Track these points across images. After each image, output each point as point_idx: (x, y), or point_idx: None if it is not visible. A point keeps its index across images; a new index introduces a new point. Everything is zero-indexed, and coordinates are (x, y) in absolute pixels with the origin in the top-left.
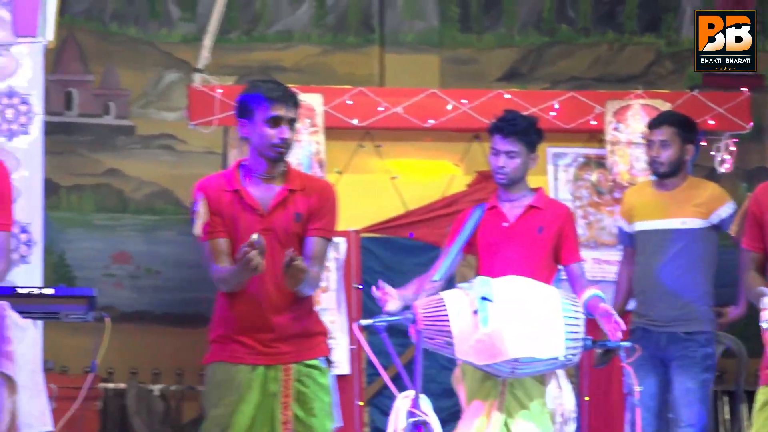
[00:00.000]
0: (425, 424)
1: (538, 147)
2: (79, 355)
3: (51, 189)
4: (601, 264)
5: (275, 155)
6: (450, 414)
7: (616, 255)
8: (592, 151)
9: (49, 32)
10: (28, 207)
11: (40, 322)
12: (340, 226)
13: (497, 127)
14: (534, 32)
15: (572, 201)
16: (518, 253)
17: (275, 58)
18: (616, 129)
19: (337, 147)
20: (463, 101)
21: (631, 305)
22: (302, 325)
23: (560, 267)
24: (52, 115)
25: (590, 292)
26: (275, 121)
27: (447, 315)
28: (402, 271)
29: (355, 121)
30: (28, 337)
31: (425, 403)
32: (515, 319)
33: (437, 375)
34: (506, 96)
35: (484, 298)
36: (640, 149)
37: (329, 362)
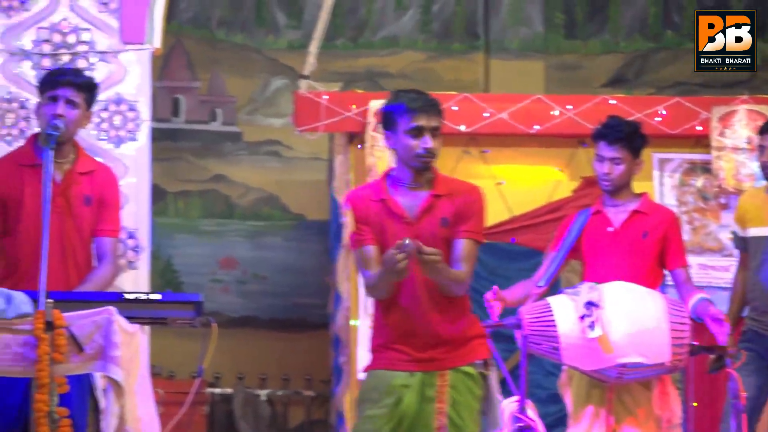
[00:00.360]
0: (530, 429)
1: (642, 153)
2: (186, 360)
3: (158, 195)
4: (706, 270)
5: (420, 165)
6: (555, 420)
7: (721, 261)
8: (697, 157)
9: (156, 39)
10: (136, 213)
11: (147, 328)
12: None
13: (602, 133)
14: (639, 38)
15: (677, 206)
16: (623, 259)
17: (381, 64)
18: (721, 134)
19: (442, 153)
20: (569, 107)
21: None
22: (456, 329)
23: (666, 272)
24: (159, 121)
25: (698, 296)
26: (418, 132)
27: (554, 320)
28: (506, 276)
29: (461, 127)
30: (135, 342)
31: (531, 409)
32: (622, 324)
33: (543, 380)
34: (611, 102)
35: (590, 304)
36: (746, 155)
37: (487, 365)
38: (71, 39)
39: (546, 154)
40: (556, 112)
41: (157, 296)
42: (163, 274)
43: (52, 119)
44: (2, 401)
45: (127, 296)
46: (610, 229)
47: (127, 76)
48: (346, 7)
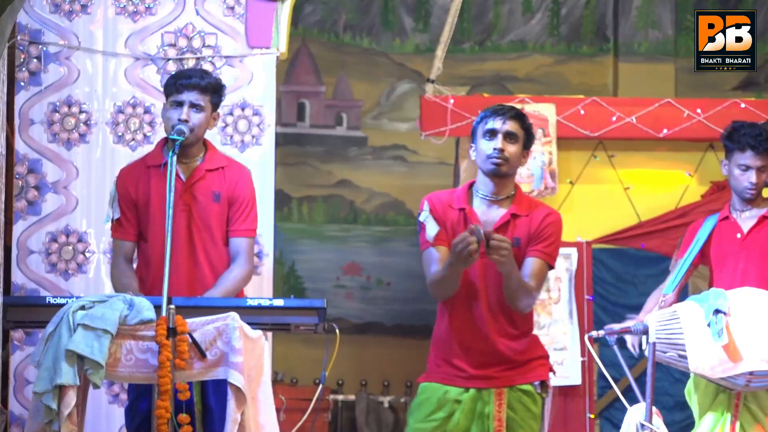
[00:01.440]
0: None
1: None
2: (309, 366)
3: (282, 200)
4: None
5: (491, 167)
6: (682, 427)
7: None
8: None
9: (281, 44)
10: (260, 218)
11: (270, 334)
12: (572, 236)
13: (750, 144)
14: None
15: None
16: (752, 265)
17: (508, 68)
18: None
19: (569, 157)
20: (698, 111)
21: None
22: (517, 348)
23: None
24: (284, 126)
25: None
26: (491, 134)
27: (681, 328)
28: (633, 282)
29: (589, 132)
30: (258, 349)
31: (657, 417)
32: (750, 331)
33: (670, 388)
34: (742, 105)
35: (717, 311)
36: None
37: (545, 387)
38: (196, 43)
39: (674, 158)
40: (686, 116)
41: (281, 302)
42: (286, 279)
43: (177, 124)
44: (135, 406)
45: (250, 302)
46: (738, 235)
47: (253, 81)
48: (473, 11)
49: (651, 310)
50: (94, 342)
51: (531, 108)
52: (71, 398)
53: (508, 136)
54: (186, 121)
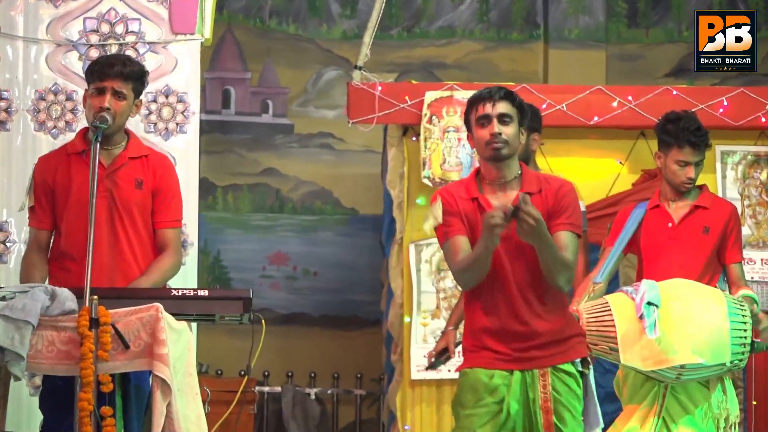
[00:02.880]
0: None
1: None
2: (235, 357)
3: (207, 189)
4: None
5: (491, 153)
6: (612, 418)
7: None
8: (762, 149)
9: (206, 30)
10: (184, 207)
11: (194, 324)
12: None
13: (690, 140)
14: None
15: (740, 200)
16: (683, 255)
17: (437, 54)
18: None
19: None
20: (629, 98)
21: None
22: (554, 326)
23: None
24: (208, 113)
25: (742, 292)
26: (485, 120)
27: (612, 320)
28: None
29: None
30: (182, 340)
31: None
32: (682, 324)
33: (600, 379)
34: (674, 93)
35: (650, 303)
36: None
37: (586, 363)
38: (119, 29)
39: (605, 146)
40: (616, 104)
41: (205, 292)
42: (211, 269)
43: (99, 111)
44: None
45: (175, 292)
46: (669, 224)
47: (177, 67)
48: None
49: (581, 296)
50: (14, 333)
51: (460, 95)
52: None
53: (502, 118)
54: (108, 108)
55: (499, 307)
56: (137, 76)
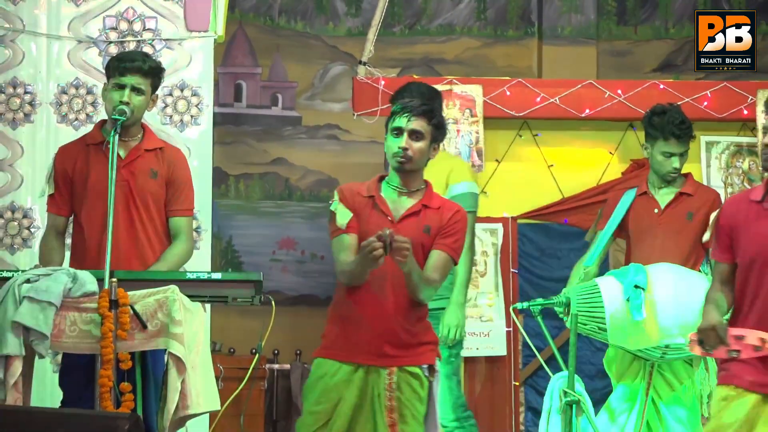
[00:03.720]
0: (578, 403)
1: None
2: (246, 336)
3: (220, 178)
4: None
5: (396, 165)
6: (603, 394)
7: None
8: (744, 140)
9: (219, 27)
10: (198, 195)
11: (208, 306)
12: (498, 212)
13: (674, 133)
14: (688, 24)
15: (723, 187)
16: (668, 239)
17: (437, 50)
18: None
19: (495, 136)
20: (619, 92)
21: None
22: (413, 332)
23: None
24: (221, 106)
25: None
26: (397, 131)
27: (601, 302)
28: (557, 256)
29: (514, 112)
30: (197, 320)
31: (579, 384)
32: (667, 306)
33: (591, 357)
34: (661, 87)
35: (637, 286)
36: None
37: (432, 371)
38: (137, 27)
39: (596, 137)
40: (607, 97)
41: (218, 275)
42: (224, 254)
43: (119, 105)
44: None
45: (190, 275)
46: (656, 210)
47: (191, 63)
48: None
49: (572, 279)
50: (39, 314)
51: (459, 89)
52: (17, 368)
53: (414, 134)
54: (128, 103)
55: (371, 303)
56: (155, 73)
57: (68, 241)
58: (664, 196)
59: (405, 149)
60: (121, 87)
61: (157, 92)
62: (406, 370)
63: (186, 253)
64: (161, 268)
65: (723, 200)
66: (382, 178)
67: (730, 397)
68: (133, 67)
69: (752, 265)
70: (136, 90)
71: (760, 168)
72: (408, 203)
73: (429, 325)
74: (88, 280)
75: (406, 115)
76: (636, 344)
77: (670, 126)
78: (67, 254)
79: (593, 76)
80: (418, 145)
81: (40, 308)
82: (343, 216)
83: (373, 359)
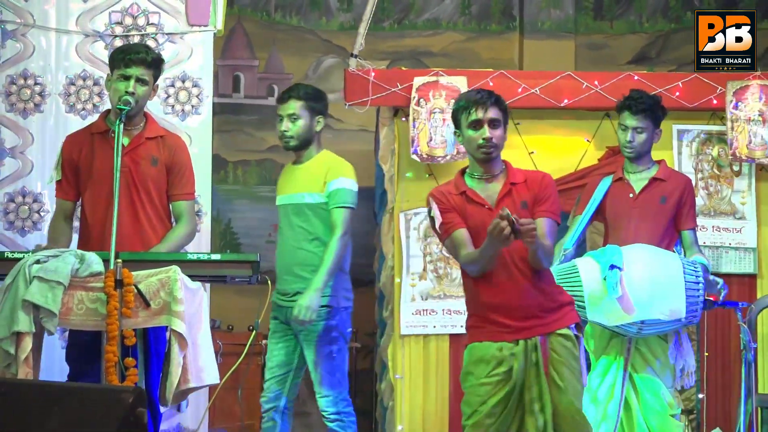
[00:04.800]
0: None
1: (661, 124)
2: (244, 314)
3: (219, 164)
4: (720, 231)
5: (482, 156)
6: None
7: (734, 223)
8: (713, 128)
9: (218, 22)
10: (198, 180)
11: (208, 285)
12: None
13: (626, 104)
14: (661, 19)
15: (694, 173)
16: (643, 222)
17: (424, 44)
18: (735, 107)
19: None
20: (596, 83)
21: None
22: (548, 298)
23: None
24: (220, 97)
25: (696, 258)
26: (477, 124)
27: (580, 281)
28: None
29: None
30: (197, 299)
31: None
32: (642, 284)
33: None
34: (635, 78)
35: (613, 266)
36: (758, 126)
37: (579, 327)
38: (141, 21)
39: (574, 126)
40: (584, 88)
41: (218, 256)
42: (223, 236)
43: (124, 95)
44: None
45: (190, 256)
46: (631, 195)
47: (192, 56)
48: None
49: (554, 262)
50: (48, 293)
51: (445, 80)
52: (27, 344)
53: (492, 123)
54: (132, 93)
55: (501, 286)
56: (157, 64)
57: (76, 224)
58: (638, 182)
59: (489, 138)
60: (126, 78)
61: (158, 82)
62: (558, 333)
63: (187, 235)
64: (162, 249)
65: (694, 185)
66: (463, 172)
67: None
68: (138, 59)
69: None
70: (140, 81)
71: (730, 156)
72: (497, 187)
73: (561, 288)
74: (94, 261)
75: (482, 106)
76: (613, 320)
77: (627, 100)
78: (75, 236)
79: (571, 68)
80: (498, 132)
81: (49, 287)
82: (439, 218)
83: (526, 333)
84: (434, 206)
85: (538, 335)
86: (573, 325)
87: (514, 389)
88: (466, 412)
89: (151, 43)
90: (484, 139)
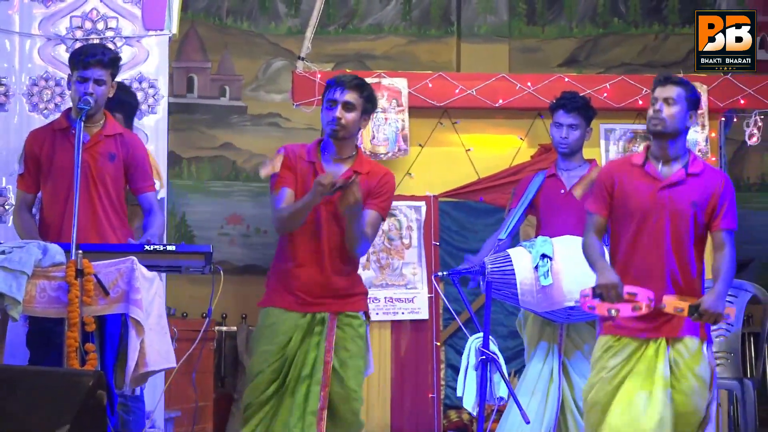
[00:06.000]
0: (493, 361)
1: (591, 122)
2: (197, 302)
3: (174, 160)
4: None
5: (330, 132)
6: (515, 353)
7: None
8: (639, 127)
9: (173, 26)
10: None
11: (164, 275)
12: (422, 191)
13: (560, 104)
14: (590, 25)
15: None
16: (574, 216)
17: (367, 47)
18: None
19: (419, 124)
20: (529, 84)
21: None
22: (346, 283)
23: None
24: (175, 97)
25: None
26: (331, 103)
27: (513, 270)
28: (473, 230)
29: (435, 102)
30: (154, 287)
31: (493, 344)
32: (570, 273)
33: (504, 319)
34: (566, 80)
35: (544, 256)
36: None
37: (367, 316)
38: (100, 26)
39: (508, 124)
40: (518, 89)
41: (173, 248)
42: (178, 228)
43: (84, 96)
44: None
45: (147, 247)
46: (563, 191)
47: (149, 58)
48: None
49: (488, 252)
50: (12, 282)
51: (387, 82)
52: None
53: (346, 106)
54: (91, 93)
55: (309, 258)
56: (114, 63)
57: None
58: (570, 179)
59: (339, 119)
60: (85, 79)
61: (115, 80)
62: (347, 314)
63: (162, 221)
64: (152, 239)
65: None
66: (319, 142)
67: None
68: (95, 61)
69: (630, 220)
70: (97, 81)
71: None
72: (341, 169)
73: (359, 277)
74: (56, 252)
75: (340, 87)
76: (543, 307)
77: (560, 99)
78: None
79: (506, 70)
80: (351, 115)
81: (13, 277)
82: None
83: (316, 308)
84: (278, 158)
85: (328, 311)
86: (362, 312)
87: (289, 359)
88: (252, 372)
89: (110, 46)
90: (334, 117)
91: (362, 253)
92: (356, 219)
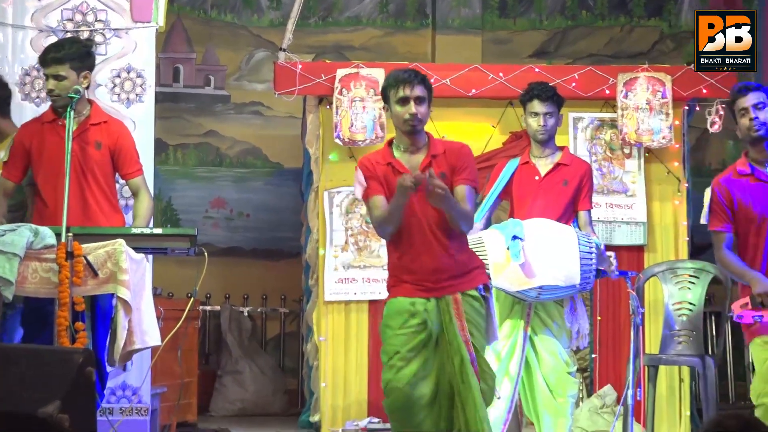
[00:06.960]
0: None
1: (561, 109)
2: (183, 282)
3: (161, 147)
4: (612, 207)
5: (408, 129)
6: None
7: (625, 200)
8: (605, 115)
9: (160, 18)
10: (142, 162)
11: (151, 256)
12: None
13: (535, 94)
14: (559, 17)
15: (589, 156)
16: (546, 201)
17: (346, 39)
18: (625, 97)
19: None
20: (500, 74)
21: None
22: (460, 262)
23: None
24: (162, 86)
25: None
26: (403, 101)
27: (485, 251)
28: None
29: None
30: (141, 269)
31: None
32: (541, 253)
33: None
34: (536, 70)
35: (515, 237)
36: (645, 113)
37: (487, 288)
38: (90, 18)
39: (481, 113)
40: (490, 79)
41: (159, 231)
42: (164, 212)
43: (48, 94)
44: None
45: (134, 231)
46: (536, 177)
47: (136, 49)
48: None
49: None
50: (5, 263)
51: (365, 72)
52: None
53: (418, 100)
54: (52, 90)
55: (417, 249)
56: (72, 57)
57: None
58: (544, 166)
59: (415, 114)
60: (47, 77)
61: (87, 70)
62: (467, 294)
63: (150, 204)
64: (141, 223)
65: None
66: (391, 143)
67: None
68: (50, 59)
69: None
70: (56, 77)
71: (620, 141)
72: (419, 159)
73: (472, 252)
74: (48, 235)
75: (409, 84)
76: (515, 286)
77: (534, 89)
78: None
79: (478, 61)
80: (423, 108)
81: (6, 259)
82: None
83: (438, 293)
84: (359, 173)
85: (450, 294)
86: (481, 286)
87: (430, 339)
88: (384, 360)
89: (98, 38)
90: (410, 114)
91: (469, 228)
92: (449, 204)
